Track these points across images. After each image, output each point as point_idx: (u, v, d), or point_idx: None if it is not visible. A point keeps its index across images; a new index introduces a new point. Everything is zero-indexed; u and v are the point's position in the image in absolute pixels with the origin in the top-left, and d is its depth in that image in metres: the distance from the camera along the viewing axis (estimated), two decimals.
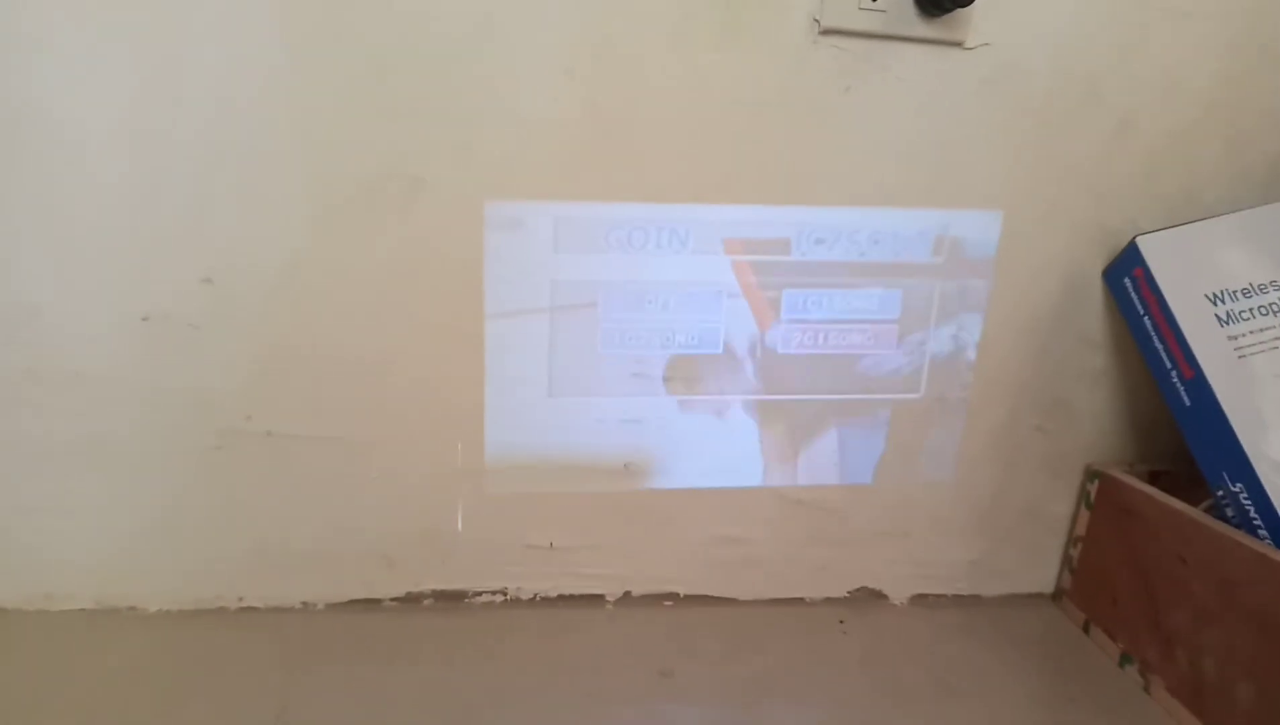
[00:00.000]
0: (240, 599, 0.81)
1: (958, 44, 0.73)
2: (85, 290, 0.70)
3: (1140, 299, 0.77)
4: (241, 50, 0.66)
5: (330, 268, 0.72)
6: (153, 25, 0.65)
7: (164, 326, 0.72)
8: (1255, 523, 0.70)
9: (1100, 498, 0.85)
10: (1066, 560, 0.91)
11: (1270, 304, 0.73)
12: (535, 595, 0.85)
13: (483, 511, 0.81)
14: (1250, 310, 0.73)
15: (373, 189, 0.71)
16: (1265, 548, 0.67)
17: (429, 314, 0.75)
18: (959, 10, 0.69)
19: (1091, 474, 0.87)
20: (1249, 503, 0.70)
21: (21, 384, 0.72)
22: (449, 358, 0.76)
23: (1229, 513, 0.72)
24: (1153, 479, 0.83)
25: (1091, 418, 0.87)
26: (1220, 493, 0.73)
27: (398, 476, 0.79)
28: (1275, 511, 0.68)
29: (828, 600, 0.89)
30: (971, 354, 0.82)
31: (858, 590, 0.90)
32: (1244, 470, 0.70)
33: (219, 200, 0.69)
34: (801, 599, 0.89)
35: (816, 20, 0.70)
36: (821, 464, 0.84)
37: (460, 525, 0.81)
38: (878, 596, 0.90)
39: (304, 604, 0.82)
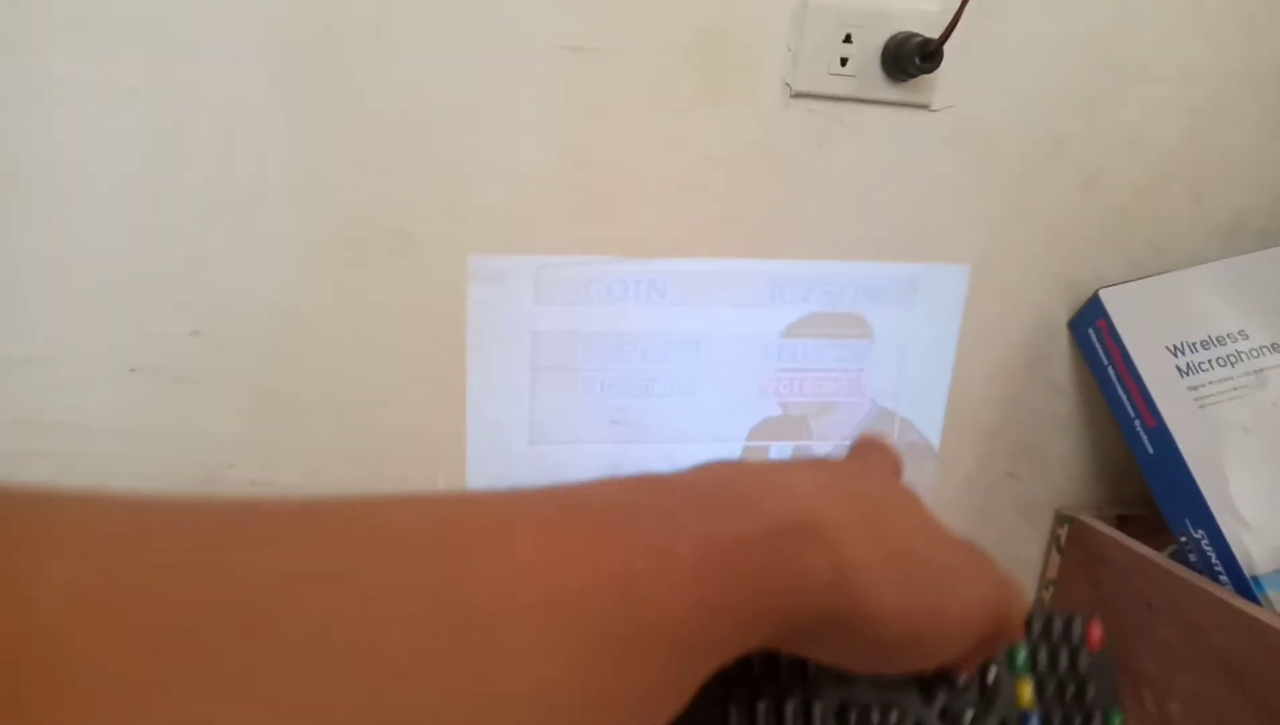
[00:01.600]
0: None
1: (924, 106, 0.76)
2: (77, 343, 0.71)
3: (1104, 350, 0.80)
4: (241, 110, 0.68)
5: (317, 319, 0.74)
6: (154, 83, 0.67)
7: (151, 378, 0.73)
8: (1216, 569, 0.72)
9: (1070, 542, 0.87)
10: (1039, 604, 0.92)
11: (1229, 355, 0.76)
12: None
13: None
14: (1210, 361, 0.75)
15: (361, 242, 0.73)
16: (1227, 594, 0.69)
17: (413, 362, 0.76)
18: (924, 75, 0.72)
19: (1061, 518, 0.89)
20: (1210, 549, 0.72)
21: (19, 434, 0.73)
22: (432, 404, 0.78)
23: (1192, 558, 0.74)
24: (1121, 523, 0.85)
25: (1061, 463, 0.89)
26: (1183, 538, 0.75)
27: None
28: (1234, 559, 0.70)
29: None
30: (942, 403, 0.84)
31: None
32: (1204, 517, 0.72)
33: (212, 254, 0.71)
34: None
35: (788, 84, 0.73)
36: None
37: None
38: None
39: None
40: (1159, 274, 0.81)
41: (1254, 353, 0.75)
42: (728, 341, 0.80)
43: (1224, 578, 0.71)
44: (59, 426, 0.73)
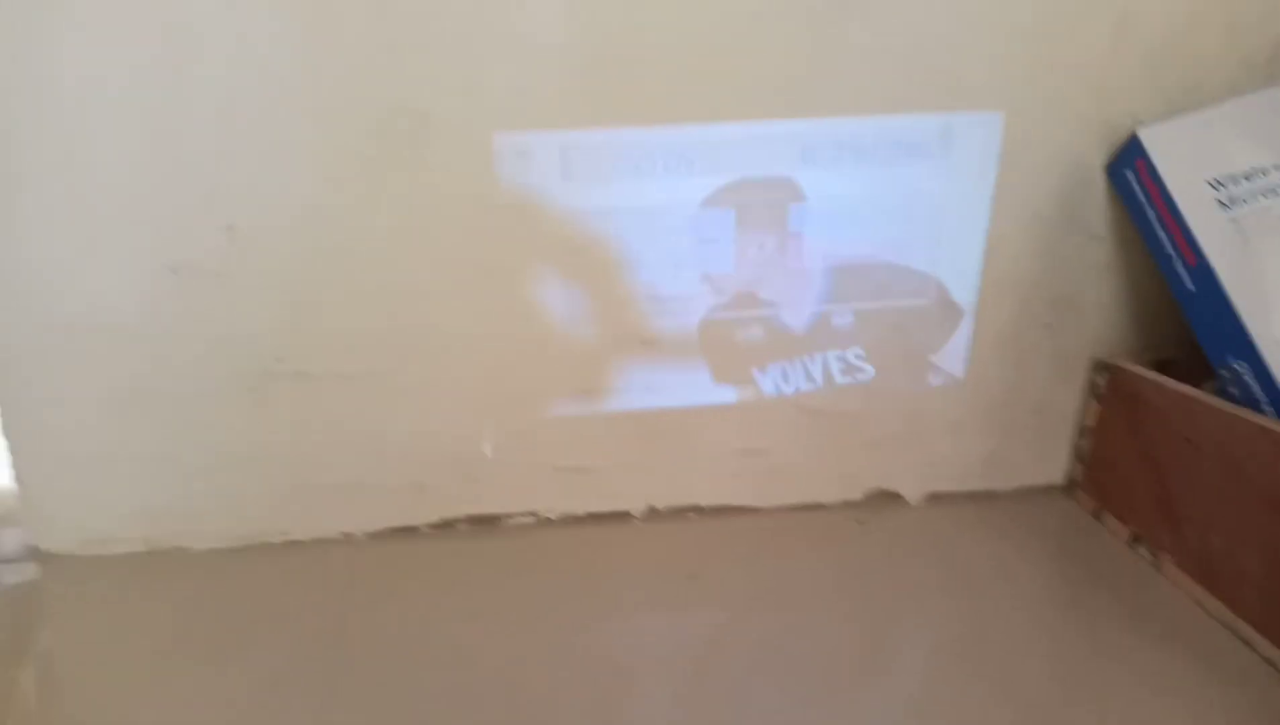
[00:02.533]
0: (284, 533, 0.84)
1: None
2: (115, 246, 0.72)
3: (1143, 190, 0.78)
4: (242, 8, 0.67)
5: (347, 207, 0.74)
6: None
7: (192, 277, 0.74)
8: (1259, 399, 0.72)
9: (1109, 389, 0.87)
10: (1076, 451, 0.93)
11: (1272, 186, 0.74)
12: (565, 515, 0.89)
13: (511, 437, 0.84)
14: (1252, 193, 0.74)
15: (382, 126, 0.72)
16: (1270, 422, 0.69)
17: (446, 247, 0.76)
18: None
19: (1099, 367, 0.89)
20: (1252, 380, 0.72)
21: (60, 339, 0.74)
22: (467, 288, 0.78)
23: (1234, 392, 0.74)
24: (1159, 368, 0.85)
25: (1098, 311, 0.88)
26: (1225, 373, 0.75)
27: (427, 407, 0.82)
28: (1278, 386, 0.70)
29: (846, 503, 0.93)
30: (978, 256, 0.84)
31: (874, 492, 0.93)
32: (1247, 349, 0.72)
33: (235, 148, 0.71)
34: (821, 504, 0.92)
35: None
36: (838, 370, 0.86)
37: (489, 451, 0.84)
38: (894, 497, 0.93)
39: (345, 534, 0.85)
40: (1194, 111, 0.78)
41: None
42: (757, 208, 0.79)
43: (1267, 407, 0.71)
44: (101, 328, 0.74)
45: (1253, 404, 0.72)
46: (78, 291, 0.73)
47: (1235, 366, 0.73)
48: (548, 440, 0.85)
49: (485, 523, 0.87)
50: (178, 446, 0.79)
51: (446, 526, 0.87)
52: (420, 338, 0.79)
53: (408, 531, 0.86)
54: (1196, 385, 0.78)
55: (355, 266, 0.76)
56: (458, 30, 0.70)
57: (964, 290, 0.85)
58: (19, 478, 0.79)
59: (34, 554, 0.82)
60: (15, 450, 0.78)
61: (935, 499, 0.94)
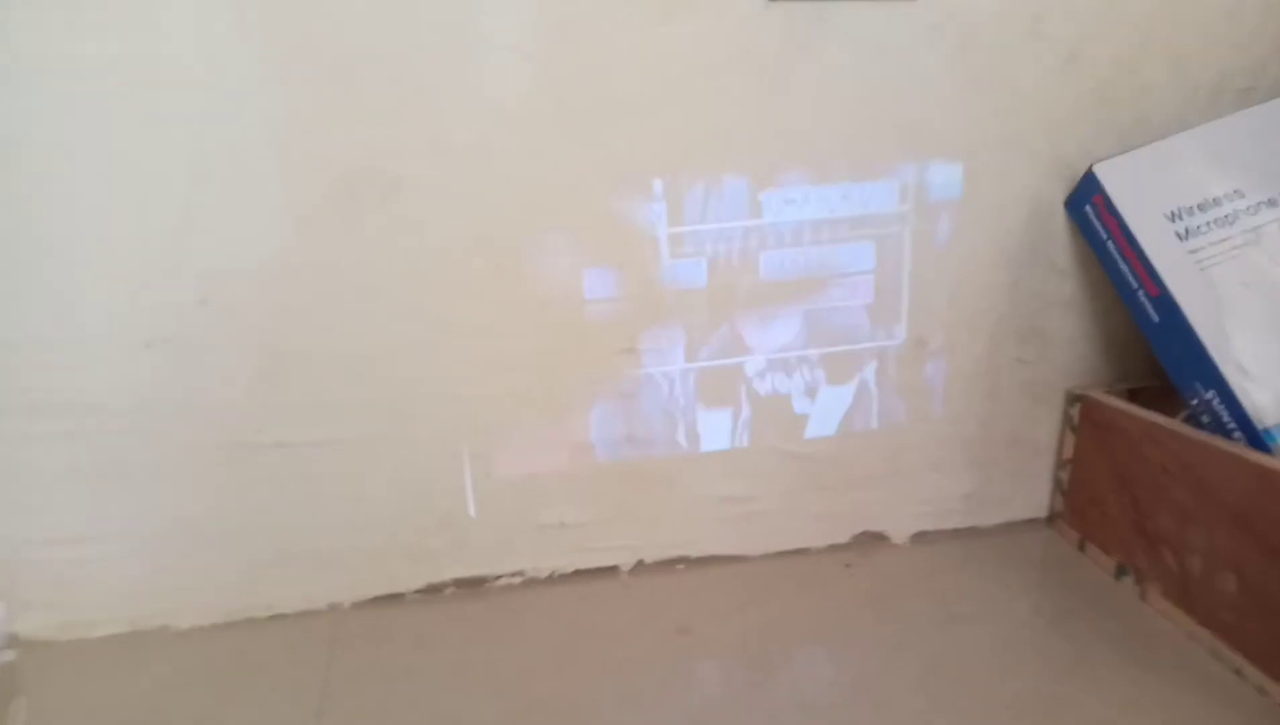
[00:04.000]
0: (268, 607, 0.83)
1: None
2: (85, 323, 0.72)
3: (1102, 224, 0.80)
4: (215, 67, 0.68)
5: (318, 271, 0.74)
6: (126, 53, 0.67)
7: (166, 350, 0.74)
8: (1229, 426, 0.73)
9: (1083, 420, 0.88)
10: (1057, 483, 0.94)
11: (1226, 216, 0.76)
12: (552, 573, 0.88)
13: (493, 495, 0.84)
14: (1207, 223, 0.76)
15: (349, 190, 0.73)
16: (1238, 448, 0.70)
17: (417, 305, 0.77)
18: None
19: (1072, 398, 0.90)
20: (1221, 408, 0.73)
21: (35, 417, 0.74)
22: (442, 346, 0.79)
23: (1204, 419, 0.75)
24: (1131, 397, 0.86)
25: (1068, 343, 0.90)
26: (1194, 401, 0.76)
27: (408, 468, 0.81)
28: (1245, 414, 0.71)
29: (832, 547, 0.93)
30: (946, 295, 0.85)
31: (860, 534, 0.93)
32: (1214, 377, 0.73)
33: (205, 217, 0.71)
34: (807, 548, 0.92)
35: None
36: (813, 416, 0.87)
37: (472, 510, 0.84)
38: (879, 538, 0.93)
39: (331, 605, 0.85)
40: (1147, 144, 0.80)
41: (1251, 210, 0.76)
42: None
43: (1237, 434, 0.72)
44: (73, 406, 0.74)
45: (1222, 431, 0.74)
46: (48, 370, 0.73)
47: (1204, 395, 0.74)
48: (531, 496, 0.85)
49: (472, 585, 0.87)
50: (156, 523, 0.79)
51: (433, 591, 0.86)
52: (398, 399, 0.79)
53: (394, 598, 0.86)
54: (1171, 414, 0.80)
55: (329, 331, 0.76)
56: (426, 93, 0.72)
57: (933, 328, 0.86)
58: None
59: (12, 641, 0.80)
60: None
61: (920, 538, 0.94)
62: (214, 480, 0.78)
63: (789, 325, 0.84)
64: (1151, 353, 0.80)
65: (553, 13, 0.71)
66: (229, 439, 0.77)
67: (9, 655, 0.78)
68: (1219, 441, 0.71)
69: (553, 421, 0.83)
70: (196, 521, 0.79)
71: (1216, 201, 0.76)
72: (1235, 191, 0.76)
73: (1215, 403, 0.74)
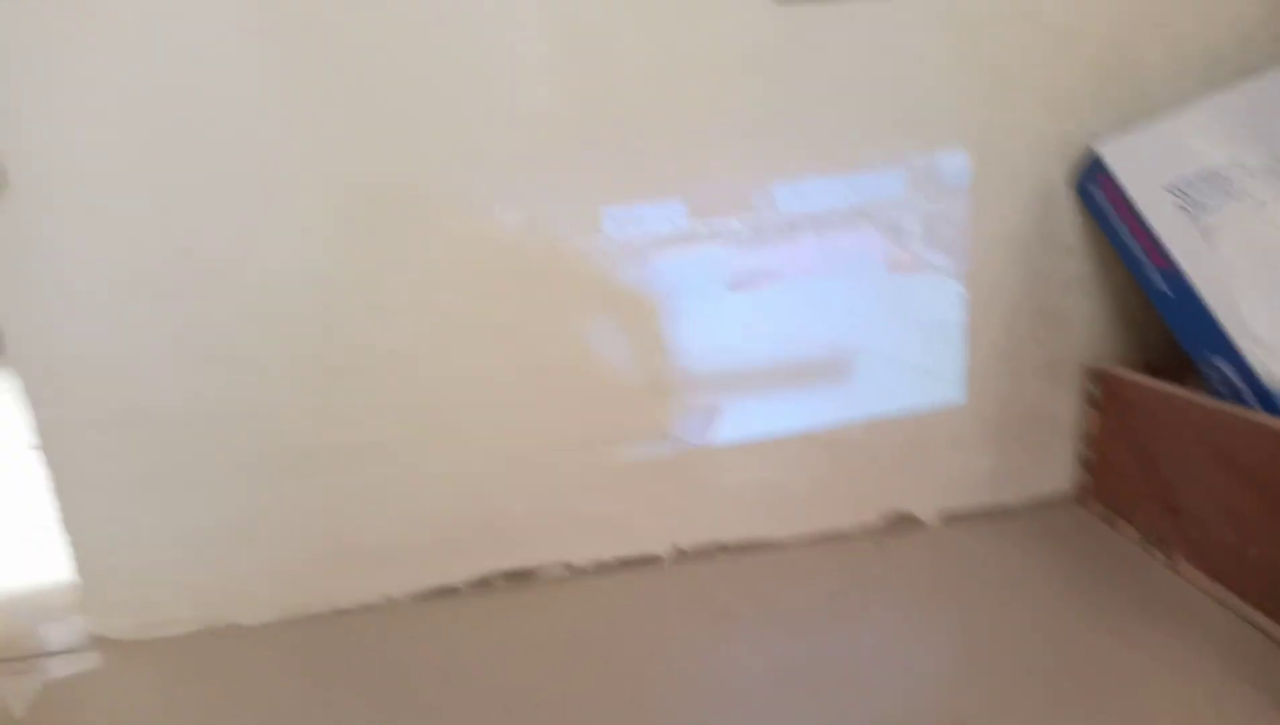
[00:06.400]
0: (329, 601, 0.88)
1: None
2: (151, 338, 0.78)
3: (1108, 203, 0.83)
4: (243, 96, 0.74)
5: (353, 284, 0.80)
6: (158, 85, 0.73)
7: (226, 362, 0.79)
8: (1244, 395, 0.75)
9: (1104, 395, 0.91)
10: (1081, 459, 0.96)
11: (1229, 186, 0.78)
12: (595, 563, 0.92)
13: (536, 489, 0.88)
14: (1210, 195, 0.78)
15: (380, 204, 0.78)
16: (1256, 415, 0.72)
17: (455, 311, 0.82)
18: None
19: (1092, 374, 0.92)
20: (1235, 375, 0.75)
21: (108, 429, 0.80)
22: (480, 349, 0.84)
23: (1219, 388, 0.78)
24: (1150, 370, 0.88)
25: (1083, 321, 0.92)
26: (1209, 372, 0.78)
27: (454, 467, 0.86)
28: (1258, 380, 0.73)
29: (864, 528, 0.96)
30: (961, 281, 0.88)
31: (890, 515, 0.96)
32: (1225, 347, 0.75)
33: (251, 236, 0.77)
34: (840, 531, 0.95)
35: None
36: (840, 400, 0.91)
37: (517, 505, 0.88)
38: (909, 518, 0.96)
39: (387, 599, 0.89)
40: (1148, 120, 0.83)
41: (1253, 179, 0.78)
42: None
43: (1251, 400, 0.74)
44: (146, 418, 0.80)
45: (1238, 398, 0.76)
46: (122, 385, 0.79)
47: (1217, 363, 0.77)
48: (572, 490, 0.89)
49: (521, 577, 0.91)
50: (221, 526, 0.84)
51: (484, 584, 0.91)
52: (439, 400, 0.84)
53: (448, 591, 0.90)
54: (1188, 386, 0.82)
55: (372, 338, 0.81)
56: (454, 106, 0.77)
57: (953, 311, 0.89)
58: (79, 568, 0.84)
59: (96, 643, 0.86)
60: (74, 542, 0.83)
61: (950, 517, 0.97)
62: (273, 484, 0.84)
63: (808, 312, 0.87)
64: (1165, 326, 0.83)
65: (570, 25, 0.76)
66: (286, 444, 0.83)
67: (94, 659, 0.84)
68: (1238, 410, 0.74)
69: (593, 416, 0.88)
70: (258, 523, 0.85)
71: (1219, 172, 0.79)
72: (1237, 162, 0.79)
73: (1230, 372, 0.76)
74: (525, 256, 0.81)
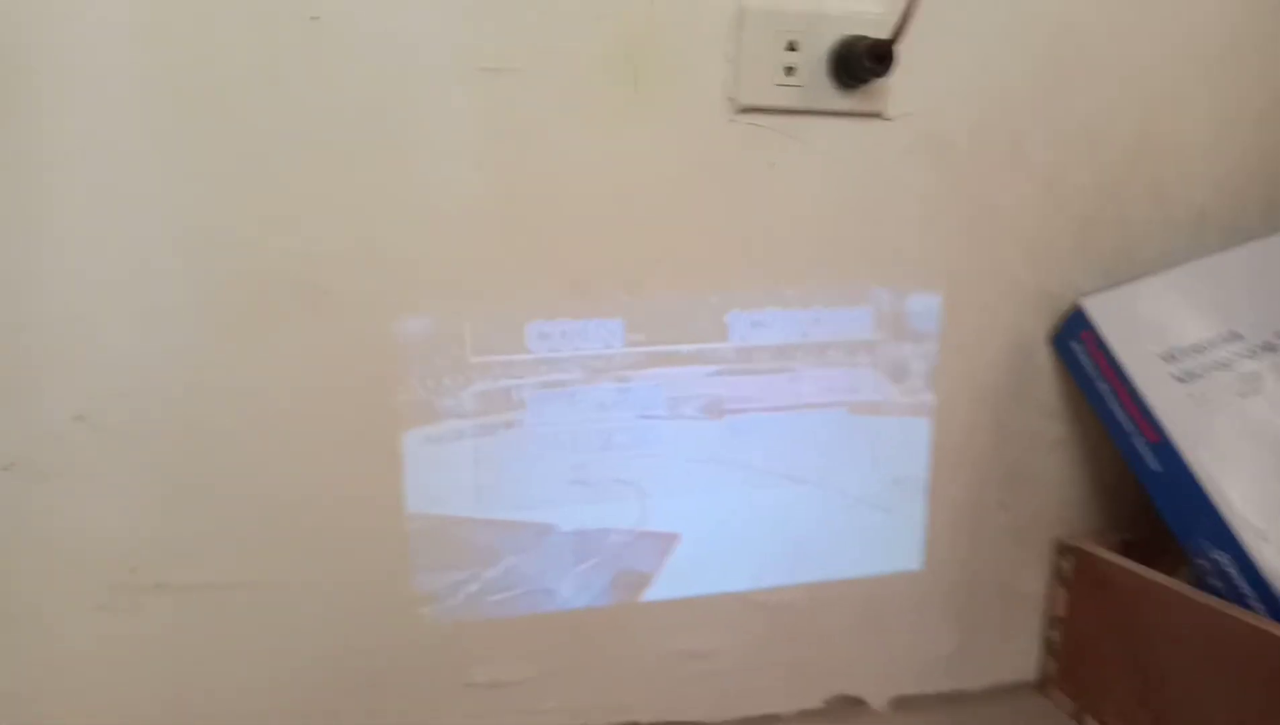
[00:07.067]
0: None
1: (877, 115, 0.71)
2: None
3: (1092, 363, 0.74)
4: (115, 159, 0.60)
5: (226, 394, 0.65)
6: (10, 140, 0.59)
7: (28, 476, 0.63)
8: (1243, 592, 0.65)
9: (1077, 574, 0.80)
10: (1047, 644, 0.85)
11: (1223, 360, 0.71)
12: None
13: (418, 649, 0.73)
14: (1205, 367, 0.70)
15: (267, 303, 0.64)
16: (1261, 621, 0.62)
17: (340, 436, 0.67)
18: (876, 81, 0.67)
19: (1063, 549, 0.82)
20: (1234, 572, 0.66)
21: None
22: (365, 480, 0.69)
23: (1213, 582, 0.68)
24: (1125, 548, 0.78)
25: (1056, 488, 0.83)
26: (1202, 561, 0.68)
27: (320, 618, 0.70)
28: (1264, 581, 0.63)
29: (803, 713, 0.82)
30: (926, 433, 0.78)
31: (834, 698, 0.83)
32: (1225, 538, 0.66)
33: (94, 327, 0.62)
34: (775, 715, 0.82)
35: (732, 98, 0.67)
36: (783, 562, 0.78)
37: (392, 667, 0.72)
38: (856, 703, 0.83)
39: None
40: (1135, 279, 0.76)
41: (1250, 353, 0.70)
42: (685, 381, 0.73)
43: (1254, 602, 0.65)
44: None
45: (1237, 598, 0.66)
46: None
47: (1213, 555, 0.67)
48: (461, 650, 0.74)
49: None
50: (20, 671, 0.66)
51: None
52: (310, 538, 0.69)
53: None
54: (1170, 569, 0.72)
55: (237, 462, 0.66)
56: (358, 197, 0.64)
57: (914, 467, 0.79)
58: None
59: None
60: None
61: (901, 703, 0.84)
62: (84, 626, 0.66)
63: (758, 456, 0.76)
64: (1145, 498, 0.73)
65: (506, 115, 0.65)
66: (102, 581, 0.66)
67: None
68: (1240, 611, 0.64)
69: (487, 557, 0.73)
70: (64, 672, 0.67)
71: (1213, 343, 0.71)
72: (1231, 333, 0.71)
73: (1227, 565, 0.66)
74: (427, 375, 0.68)
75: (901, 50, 0.65)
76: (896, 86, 0.70)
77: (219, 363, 0.64)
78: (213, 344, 0.64)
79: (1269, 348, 0.71)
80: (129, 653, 0.68)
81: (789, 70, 0.67)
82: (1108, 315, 0.73)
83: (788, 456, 0.76)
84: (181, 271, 0.62)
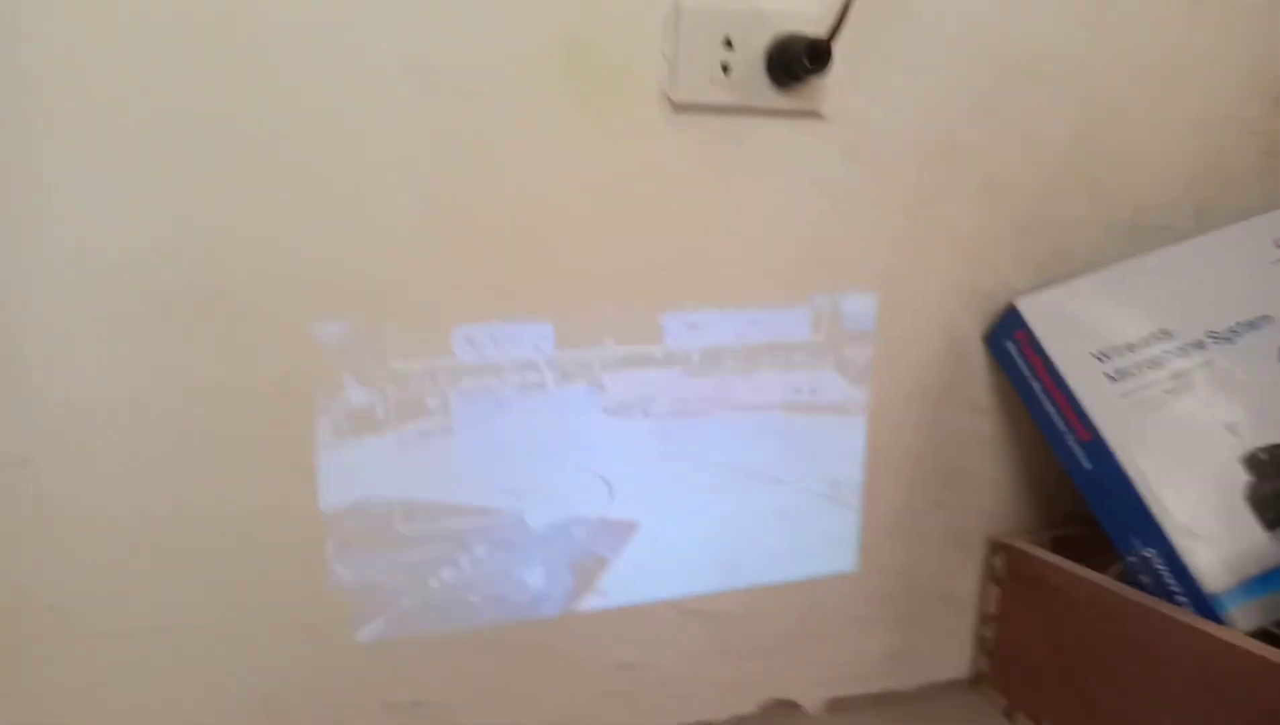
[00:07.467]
0: None
1: (814, 114, 0.69)
2: None
3: (1025, 362, 0.74)
4: (16, 152, 0.54)
5: (123, 414, 0.59)
6: None
7: None
8: (1171, 588, 0.66)
9: (1008, 572, 0.81)
10: (980, 641, 0.85)
11: (1154, 358, 0.71)
12: None
13: (330, 668, 0.69)
14: (1138, 365, 0.71)
15: (175, 313, 0.59)
16: (1189, 617, 0.63)
17: (251, 452, 0.63)
18: (813, 79, 0.65)
19: (995, 546, 0.82)
20: (1163, 568, 0.66)
21: None
22: (279, 495, 0.64)
23: (1143, 579, 0.68)
24: (1057, 545, 0.79)
25: (990, 486, 0.83)
26: (1132, 558, 0.69)
27: (225, 630, 0.66)
28: (1192, 578, 0.64)
29: (737, 719, 0.81)
30: (861, 433, 0.77)
31: (768, 703, 0.81)
32: (1154, 535, 0.66)
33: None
34: (709, 722, 0.80)
35: (668, 97, 0.65)
36: (717, 568, 0.77)
37: (306, 685, 0.68)
38: (790, 707, 0.82)
39: None
40: (1069, 279, 0.76)
41: (1180, 351, 0.71)
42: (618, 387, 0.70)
43: (1181, 598, 0.65)
44: None
45: (1166, 594, 0.67)
46: None
47: (1143, 552, 0.68)
48: (379, 667, 0.70)
49: None
50: None
51: None
52: (217, 575, 0.64)
53: None
54: (1101, 565, 0.73)
55: (126, 485, 0.61)
56: (276, 197, 0.60)
57: (849, 467, 0.78)
58: None
59: None
60: None
61: (835, 705, 0.83)
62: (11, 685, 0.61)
63: (693, 460, 0.74)
64: (1077, 495, 0.74)
65: (433, 116, 0.61)
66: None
67: None
68: (1169, 608, 0.64)
69: (413, 575, 0.69)
70: None
71: (1144, 342, 0.72)
72: (1162, 332, 0.72)
73: (1157, 562, 0.67)
74: (347, 385, 0.64)
75: (838, 49, 0.63)
76: (834, 86, 0.68)
77: (116, 379, 0.59)
78: (109, 358, 0.59)
79: (1198, 346, 0.72)
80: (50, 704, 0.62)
81: (725, 68, 0.65)
82: (1041, 315, 0.73)
83: (724, 460, 0.74)
84: (75, 282, 0.57)
